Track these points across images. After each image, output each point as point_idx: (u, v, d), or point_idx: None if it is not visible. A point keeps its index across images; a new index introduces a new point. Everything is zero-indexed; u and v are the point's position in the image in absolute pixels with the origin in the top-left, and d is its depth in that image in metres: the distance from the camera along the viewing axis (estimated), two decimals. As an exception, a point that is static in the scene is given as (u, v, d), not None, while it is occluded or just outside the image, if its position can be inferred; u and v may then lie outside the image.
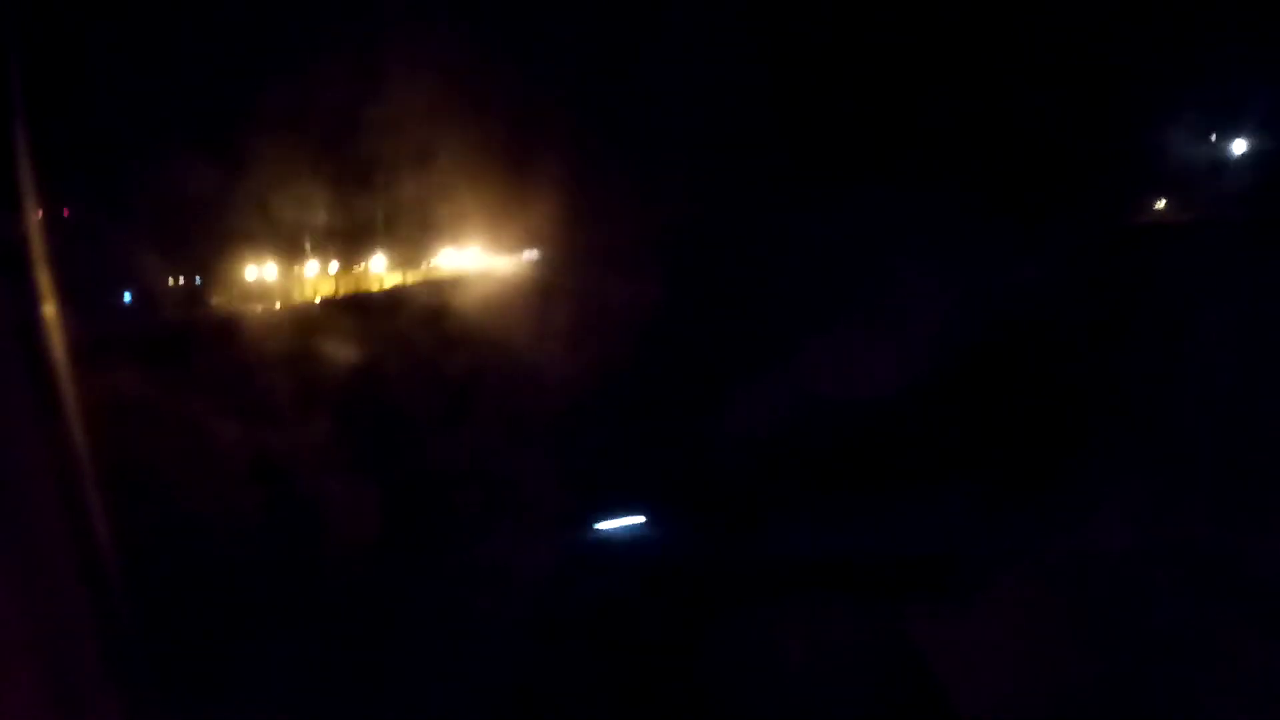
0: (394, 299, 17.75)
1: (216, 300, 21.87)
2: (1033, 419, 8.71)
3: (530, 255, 18.43)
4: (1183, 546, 6.47)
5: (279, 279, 22.09)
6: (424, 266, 21.25)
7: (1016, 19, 14.31)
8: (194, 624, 5.98)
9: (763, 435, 8.11)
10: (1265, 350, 8.15)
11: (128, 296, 20.16)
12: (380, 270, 22.20)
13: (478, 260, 19.41)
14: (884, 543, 7.58)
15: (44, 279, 3.73)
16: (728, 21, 14.46)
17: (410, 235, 19.39)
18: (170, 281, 21.17)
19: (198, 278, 21.70)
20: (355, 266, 22.51)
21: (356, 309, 18.32)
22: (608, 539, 7.70)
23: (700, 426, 8.62)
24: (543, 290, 15.16)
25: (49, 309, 3.69)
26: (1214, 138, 16.28)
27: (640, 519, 7.74)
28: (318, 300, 21.61)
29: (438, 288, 17.74)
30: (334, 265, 22.51)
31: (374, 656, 6.20)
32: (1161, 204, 17.23)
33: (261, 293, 21.68)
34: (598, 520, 7.76)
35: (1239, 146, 16.29)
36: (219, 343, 14.10)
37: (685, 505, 7.87)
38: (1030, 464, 7.93)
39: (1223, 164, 16.31)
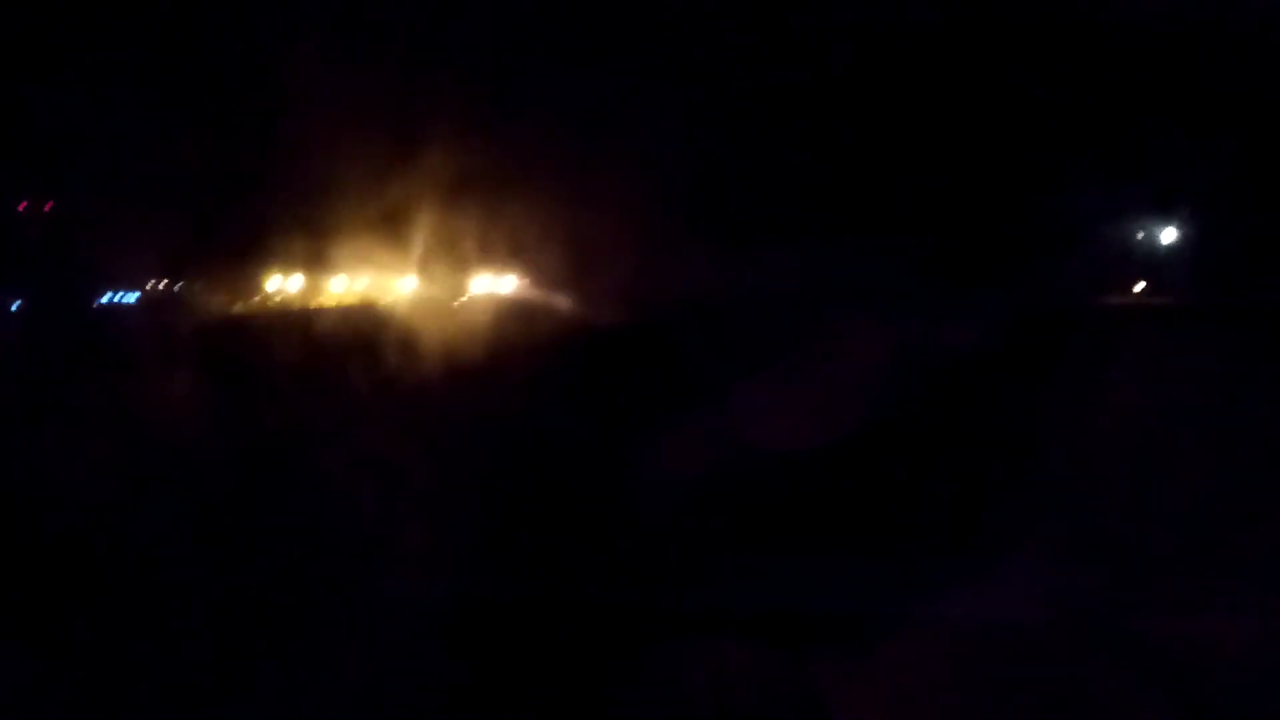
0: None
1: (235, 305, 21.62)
2: (950, 483, 8.76)
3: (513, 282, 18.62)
4: (1080, 619, 6.50)
5: (302, 289, 21.97)
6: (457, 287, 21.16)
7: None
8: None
9: (687, 484, 8.15)
10: (1183, 436, 8.26)
11: (109, 297, 20.02)
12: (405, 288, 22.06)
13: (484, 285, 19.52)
14: (796, 598, 7.60)
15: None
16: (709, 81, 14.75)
17: (442, 260, 19.33)
18: (156, 284, 21.01)
19: (180, 282, 21.51)
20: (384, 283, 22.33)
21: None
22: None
23: (627, 470, 8.66)
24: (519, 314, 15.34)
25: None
26: (1140, 235, 16.44)
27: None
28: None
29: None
30: (362, 281, 22.37)
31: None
32: (1140, 286, 17.33)
33: (280, 300, 21.56)
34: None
35: (1168, 235, 16.40)
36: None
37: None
38: (942, 528, 7.98)
39: (1170, 248, 16.44)
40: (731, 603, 7.39)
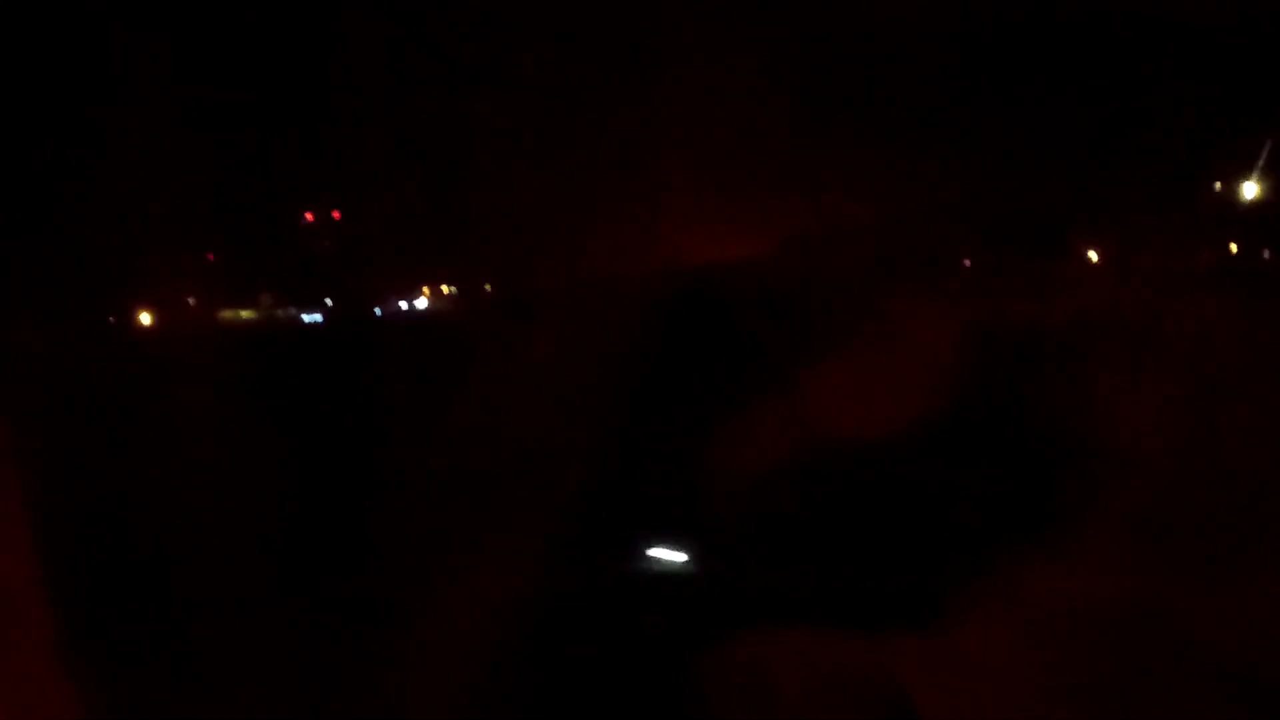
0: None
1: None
2: (1018, 463, 8.73)
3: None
4: (1144, 601, 6.53)
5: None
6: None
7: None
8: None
9: (760, 470, 8.27)
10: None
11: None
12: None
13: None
14: (872, 578, 7.67)
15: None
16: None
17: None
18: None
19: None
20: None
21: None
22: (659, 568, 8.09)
23: (699, 459, 8.80)
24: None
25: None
26: (1218, 186, 15.85)
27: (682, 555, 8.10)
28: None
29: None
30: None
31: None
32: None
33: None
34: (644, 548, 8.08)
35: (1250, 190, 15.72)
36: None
37: (721, 542, 8.05)
38: (1012, 508, 7.99)
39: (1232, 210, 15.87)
40: (814, 581, 7.49)
